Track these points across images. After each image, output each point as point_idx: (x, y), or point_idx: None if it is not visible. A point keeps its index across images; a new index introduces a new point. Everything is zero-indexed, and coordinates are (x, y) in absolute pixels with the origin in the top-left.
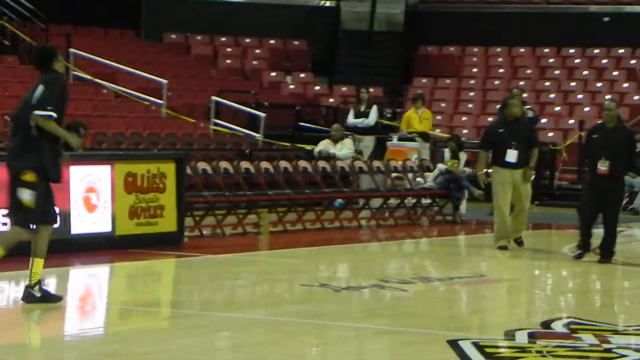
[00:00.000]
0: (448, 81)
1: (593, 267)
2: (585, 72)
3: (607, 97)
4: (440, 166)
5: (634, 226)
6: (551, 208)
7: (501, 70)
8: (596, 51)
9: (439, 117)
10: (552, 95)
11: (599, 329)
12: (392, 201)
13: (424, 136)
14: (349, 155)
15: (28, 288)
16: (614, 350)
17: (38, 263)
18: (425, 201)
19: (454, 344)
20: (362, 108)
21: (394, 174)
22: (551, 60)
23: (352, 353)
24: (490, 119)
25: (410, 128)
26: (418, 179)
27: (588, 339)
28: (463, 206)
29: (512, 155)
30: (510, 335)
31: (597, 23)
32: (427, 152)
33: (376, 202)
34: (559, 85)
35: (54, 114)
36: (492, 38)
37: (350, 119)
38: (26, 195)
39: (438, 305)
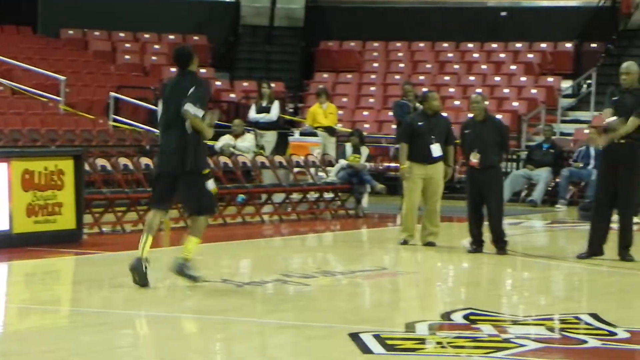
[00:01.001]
0: (349, 76)
1: (493, 259)
2: (483, 67)
3: (505, 91)
4: (342, 161)
5: (533, 218)
6: (452, 201)
7: (401, 65)
8: (494, 45)
9: (340, 112)
10: (451, 90)
11: (498, 319)
12: (295, 196)
13: (330, 131)
14: (251, 150)
15: (181, 262)
16: (512, 340)
17: (193, 242)
18: (328, 196)
19: (355, 336)
20: (264, 103)
21: (296, 169)
22: (450, 54)
23: (255, 348)
24: (391, 113)
25: (316, 123)
26: (320, 174)
27: (487, 329)
28: (365, 200)
29: (436, 150)
30: (411, 327)
31: (494, 18)
32: (333, 147)
33: (279, 197)
34: (458, 80)
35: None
36: (392, 33)
37: (252, 114)
38: (211, 185)
39: (340, 299)
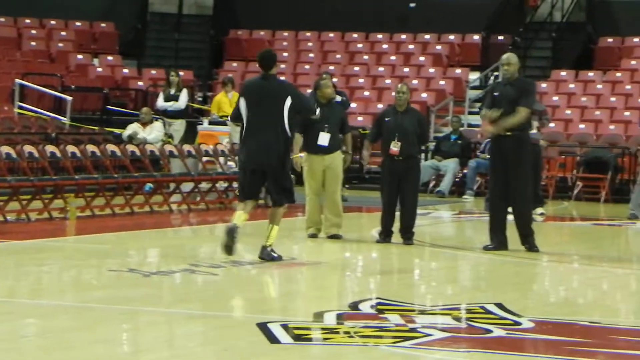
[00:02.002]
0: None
1: (401, 249)
2: (392, 57)
3: (414, 82)
4: None
5: (440, 208)
6: (361, 191)
7: (311, 55)
8: (403, 37)
9: None
10: (361, 80)
11: (405, 309)
12: (204, 185)
13: None
14: (159, 139)
15: (265, 248)
16: (419, 329)
17: (276, 229)
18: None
19: (263, 326)
20: (172, 91)
21: (205, 158)
22: (360, 45)
23: (162, 338)
24: None
25: (221, 112)
26: (230, 163)
27: (394, 319)
28: None
29: (324, 139)
30: (319, 316)
31: (403, 9)
32: (238, 136)
33: (187, 186)
34: (367, 70)
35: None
36: (302, 23)
37: (160, 103)
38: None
39: (249, 289)
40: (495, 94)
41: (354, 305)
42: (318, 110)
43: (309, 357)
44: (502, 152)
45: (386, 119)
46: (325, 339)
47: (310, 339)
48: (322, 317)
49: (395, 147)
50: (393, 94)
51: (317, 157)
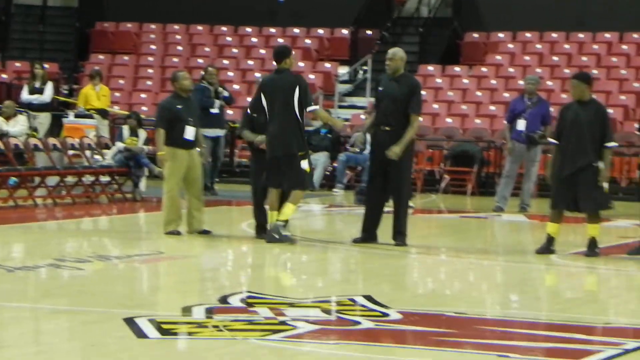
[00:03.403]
0: (126, 58)
1: (272, 243)
2: (262, 51)
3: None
4: (119, 144)
5: (310, 202)
6: (231, 185)
7: (179, 48)
8: (272, 30)
9: (117, 94)
10: (230, 74)
11: (275, 302)
12: (70, 179)
13: (103, 113)
14: (23, 132)
15: (277, 223)
16: (288, 322)
17: (291, 207)
18: (104, 179)
19: (130, 321)
20: (37, 84)
21: (71, 152)
22: (229, 38)
23: (27, 333)
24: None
25: (88, 105)
26: (96, 157)
27: (264, 312)
28: (143, 184)
29: (190, 133)
30: (187, 311)
31: (272, 2)
32: (106, 129)
33: (52, 180)
34: (237, 64)
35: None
36: (169, 15)
37: (24, 96)
38: (305, 165)
39: (116, 284)
40: (380, 88)
41: (223, 299)
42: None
43: (177, 352)
44: (382, 147)
45: (254, 114)
46: (193, 333)
47: (178, 334)
48: (191, 312)
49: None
50: None
51: (182, 151)
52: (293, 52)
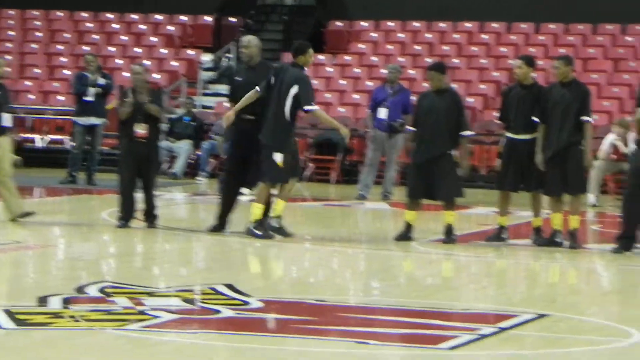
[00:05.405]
0: (9, 45)
1: (135, 232)
2: (123, 37)
3: (146, 62)
4: None
5: (174, 190)
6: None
7: (38, 34)
8: (134, 17)
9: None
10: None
11: (134, 291)
12: None
13: None
14: None
15: (271, 220)
16: (147, 312)
17: (280, 203)
18: None
19: None
20: None
21: None
22: (89, 24)
23: None
24: (55, 84)
25: None
26: None
27: (122, 302)
28: None
29: (6, 119)
30: (43, 301)
31: None
32: None
33: None
34: (98, 50)
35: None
36: (29, 1)
37: None
38: (279, 159)
39: None
40: (238, 78)
41: (81, 289)
42: None
43: (33, 342)
44: (244, 135)
45: (125, 99)
46: (49, 323)
47: (33, 324)
48: (47, 302)
49: (141, 129)
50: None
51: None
52: (311, 50)
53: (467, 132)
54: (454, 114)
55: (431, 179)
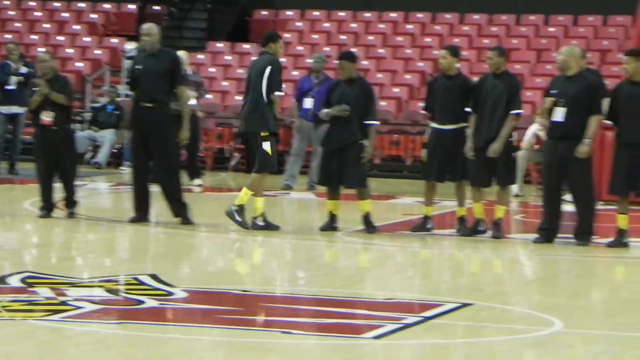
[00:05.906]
0: None
1: (58, 222)
2: (46, 25)
3: (69, 51)
4: None
5: (97, 180)
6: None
7: None
8: (57, 4)
9: None
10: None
11: (56, 282)
12: None
13: None
14: None
15: (253, 219)
16: (69, 302)
17: (247, 192)
18: None
19: None
20: None
21: None
22: (11, 12)
23: None
24: None
25: None
26: None
27: (44, 292)
28: None
29: None
30: None
31: None
32: None
33: None
34: (20, 38)
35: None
36: None
37: None
38: (267, 147)
39: None
40: (138, 67)
41: (2, 279)
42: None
43: None
44: (142, 123)
45: (34, 88)
46: None
47: None
48: None
49: (47, 117)
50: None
51: None
52: (281, 40)
53: (374, 122)
54: (364, 103)
55: (340, 166)
